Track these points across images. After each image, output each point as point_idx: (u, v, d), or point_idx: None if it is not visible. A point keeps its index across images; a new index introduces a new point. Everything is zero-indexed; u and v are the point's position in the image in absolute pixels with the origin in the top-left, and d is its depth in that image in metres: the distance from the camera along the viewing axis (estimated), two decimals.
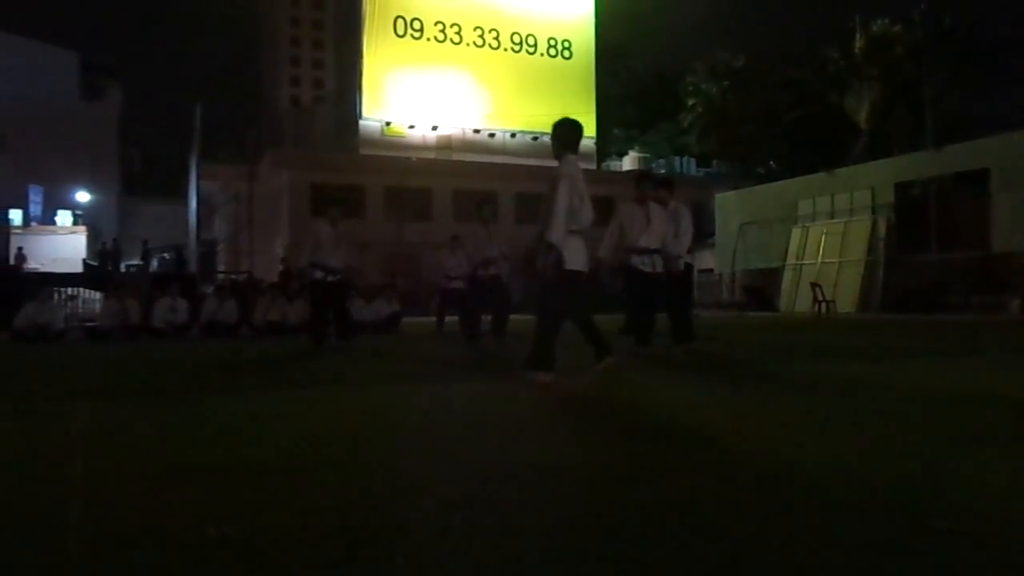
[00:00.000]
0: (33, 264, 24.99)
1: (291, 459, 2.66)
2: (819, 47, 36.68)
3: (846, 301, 22.76)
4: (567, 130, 5.05)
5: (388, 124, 33.26)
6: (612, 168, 40.39)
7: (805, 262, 25.41)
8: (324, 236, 8.73)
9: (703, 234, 34.11)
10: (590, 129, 36.63)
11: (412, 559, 1.63)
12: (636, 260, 6.89)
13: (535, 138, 34.10)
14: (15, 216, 30.53)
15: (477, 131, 32.02)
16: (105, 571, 1.59)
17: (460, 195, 29.46)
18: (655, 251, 6.90)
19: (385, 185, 30.10)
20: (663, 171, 40.30)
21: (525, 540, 1.74)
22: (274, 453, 2.77)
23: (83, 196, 35.18)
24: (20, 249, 25.58)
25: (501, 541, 1.73)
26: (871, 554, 1.61)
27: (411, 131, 33.37)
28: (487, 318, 9.69)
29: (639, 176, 7.60)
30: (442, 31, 34.12)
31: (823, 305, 20.48)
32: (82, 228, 32.14)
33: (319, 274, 8.65)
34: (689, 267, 7.56)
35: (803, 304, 23.33)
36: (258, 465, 2.56)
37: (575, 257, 4.79)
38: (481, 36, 34.73)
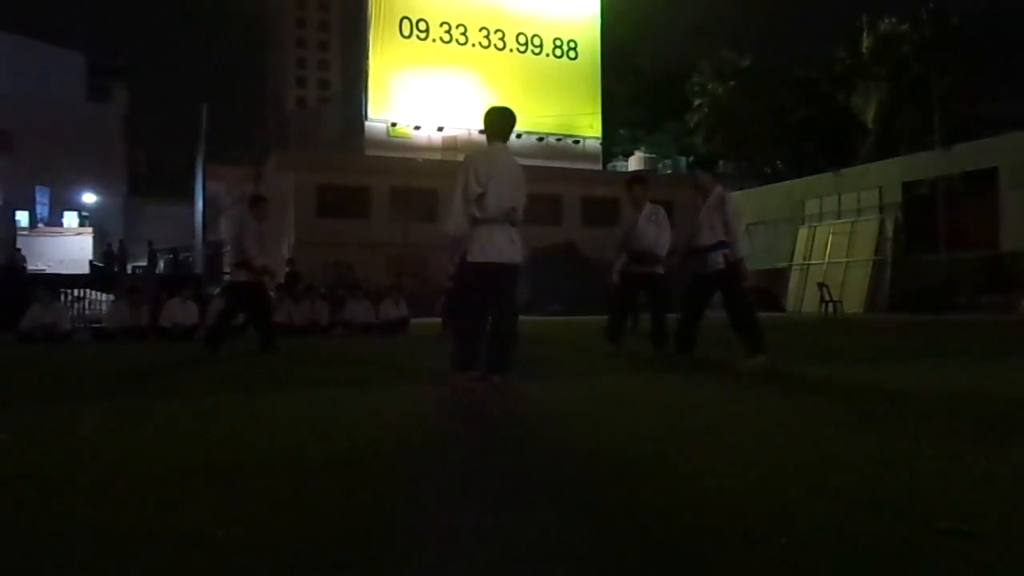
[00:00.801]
0: (40, 265, 25.06)
1: (296, 460, 2.65)
2: (826, 46, 36.64)
3: (853, 301, 22.68)
4: (491, 118, 4.92)
5: (394, 125, 33.28)
6: (618, 169, 40.36)
7: (812, 262, 25.34)
8: (251, 232, 7.94)
9: None
10: (596, 130, 36.63)
11: (419, 561, 1.62)
12: (626, 263, 7.09)
13: (540, 139, 34.08)
14: (22, 217, 30.66)
15: (483, 132, 31.92)
16: (111, 572, 1.58)
17: None
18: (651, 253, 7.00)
19: (391, 186, 30.10)
20: (669, 171, 40.34)
21: (527, 542, 1.72)
22: (279, 453, 2.76)
23: (89, 197, 35.31)
24: (19, 251, 24.86)
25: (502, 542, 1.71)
26: (878, 555, 1.59)
27: (417, 132, 33.38)
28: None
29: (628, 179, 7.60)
30: (448, 32, 34.12)
31: (830, 305, 20.40)
32: (88, 229, 32.26)
33: (243, 274, 7.88)
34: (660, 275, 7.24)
35: (810, 304, 23.26)
36: (264, 465, 2.55)
37: (486, 249, 4.56)
38: (487, 37, 34.73)
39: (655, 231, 7.01)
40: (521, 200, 4.74)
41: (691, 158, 40.87)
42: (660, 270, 7.10)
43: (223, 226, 34.71)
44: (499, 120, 4.90)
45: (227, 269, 30.19)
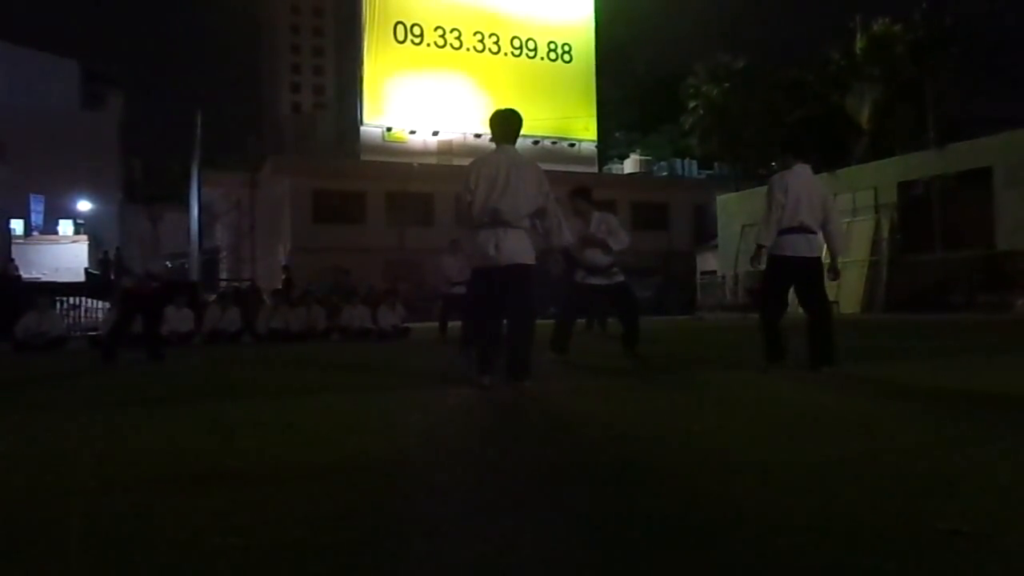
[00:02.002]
0: (35, 273, 24.96)
1: (293, 466, 2.64)
2: (820, 48, 36.69)
3: (850, 302, 22.72)
4: (492, 122, 4.95)
5: (389, 130, 33.29)
6: (614, 171, 40.39)
7: None
8: (146, 237, 7.75)
9: (706, 236, 34.15)
10: (591, 133, 36.68)
11: (416, 565, 1.62)
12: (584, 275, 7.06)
13: (536, 142, 34.10)
14: (17, 226, 30.57)
15: (478, 136, 31.98)
16: None
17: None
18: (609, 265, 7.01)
19: (386, 191, 30.11)
20: (664, 173, 40.39)
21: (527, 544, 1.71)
22: (276, 460, 2.75)
23: (84, 205, 35.22)
24: (12, 261, 24.19)
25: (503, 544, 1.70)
26: (876, 555, 1.59)
27: (412, 136, 33.41)
28: None
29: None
30: (442, 36, 34.16)
31: None
32: (83, 237, 32.16)
33: (129, 281, 7.72)
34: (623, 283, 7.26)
35: None
36: (261, 472, 2.54)
37: (476, 253, 4.67)
38: (481, 41, 34.78)
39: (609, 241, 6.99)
40: (519, 201, 4.65)
41: (687, 159, 41.01)
42: (621, 277, 7.11)
43: (219, 232, 34.65)
44: (499, 123, 4.94)
45: (224, 275, 30.20)
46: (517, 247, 4.61)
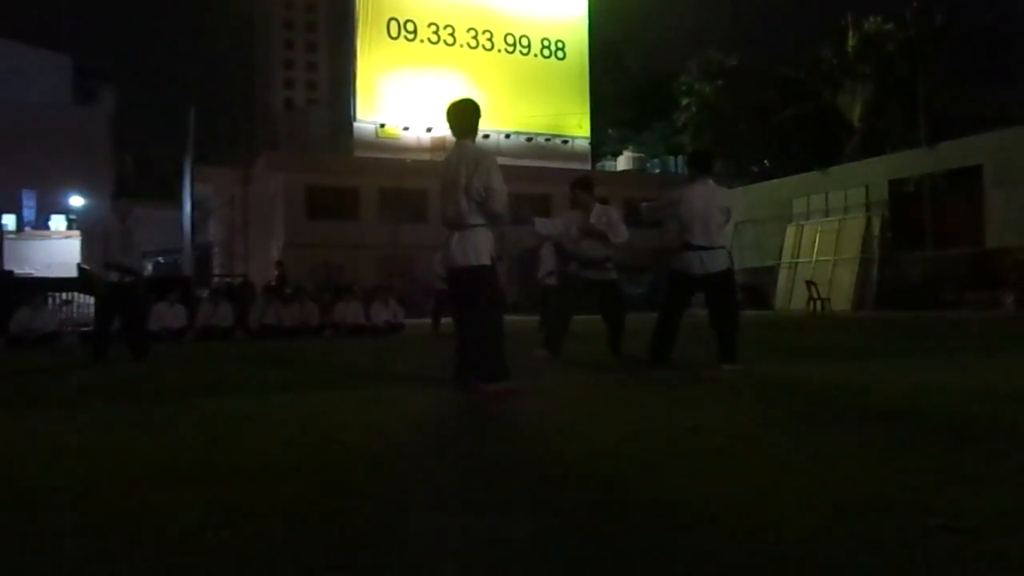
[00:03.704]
0: (27, 269, 24.83)
1: (287, 463, 2.66)
2: (812, 46, 36.79)
3: (841, 299, 22.83)
4: (450, 115, 4.70)
5: (382, 126, 33.19)
6: (607, 168, 40.39)
7: (800, 260, 25.47)
8: (114, 232, 7.81)
9: None
10: (584, 130, 36.66)
11: (410, 562, 1.64)
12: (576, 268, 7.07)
13: (529, 139, 34.10)
14: (8, 221, 30.39)
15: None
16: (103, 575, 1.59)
17: None
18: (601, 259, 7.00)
19: (380, 187, 30.04)
20: (657, 171, 40.42)
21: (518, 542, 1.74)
22: (270, 456, 2.77)
23: (77, 200, 35.03)
24: None
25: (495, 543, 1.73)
26: (868, 551, 1.61)
27: (406, 133, 33.32)
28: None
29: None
30: (435, 32, 34.06)
31: (818, 303, 20.52)
32: (76, 232, 31.98)
33: (113, 275, 7.72)
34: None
35: (798, 302, 23.39)
36: (254, 469, 2.55)
37: (447, 256, 4.62)
38: (475, 37, 34.70)
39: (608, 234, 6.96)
40: (458, 197, 4.46)
41: (680, 156, 41.03)
42: (613, 275, 7.13)
43: (211, 228, 34.53)
44: (454, 116, 4.70)
45: (217, 271, 30.09)
46: (461, 250, 4.47)
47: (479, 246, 4.45)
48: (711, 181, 5.90)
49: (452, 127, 4.70)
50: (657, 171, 40.70)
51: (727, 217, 5.89)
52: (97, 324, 8.07)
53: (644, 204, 6.98)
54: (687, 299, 6.13)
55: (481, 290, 4.47)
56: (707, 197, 5.76)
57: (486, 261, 4.47)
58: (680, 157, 41.28)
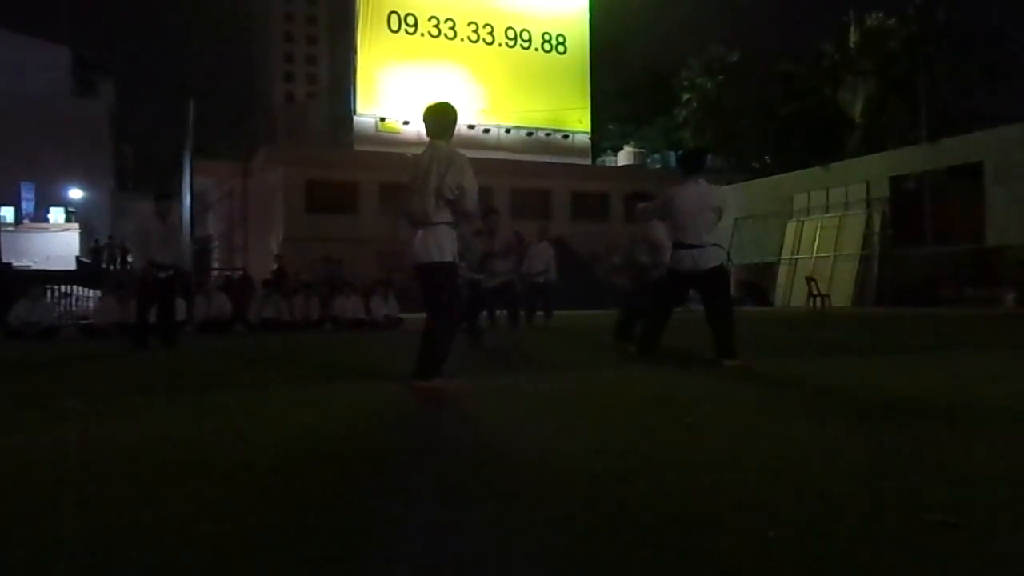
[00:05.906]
0: (26, 261, 24.85)
1: (285, 455, 2.65)
2: (813, 41, 36.71)
3: (841, 295, 22.82)
4: (426, 117, 4.72)
5: (383, 120, 33.13)
6: (608, 163, 40.34)
7: (800, 256, 25.47)
8: (152, 230, 8.52)
9: None
10: (585, 124, 36.61)
11: (407, 555, 1.63)
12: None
13: (530, 133, 34.03)
14: (7, 213, 30.40)
15: (472, 127, 31.88)
16: (100, 569, 1.58)
17: None
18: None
19: (380, 181, 29.98)
20: (658, 166, 40.36)
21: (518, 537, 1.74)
22: (268, 450, 2.76)
23: (76, 193, 35.04)
24: None
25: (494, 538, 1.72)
26: (868, 548, 1.61)
27: (406, 127, 33.23)
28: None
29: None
30: (436, 26, 33.98)
31: (818, 299, 20.51)
32: (75, 225, 32.01)
33: (161, 273, 8.48)
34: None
35: (798, 298, 23.39)
36: (253, 462, 2.55)
37: (411, 253, 4.61)
38: (475, 31, 34.61)
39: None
40: (426, 196, 4.49)
41: (680, 152, 40.96)
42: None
43: (211, 221, 34.52)
44: (429, 118, 4.74)
45: (215, 265, 30.07)
46: (421, 247, 4.52)
47: (442, 243, 4.53)
48: (703, 180, 5.99)
49: (428, 128, 4.75)
50: (658, 166, 40.65)
51: (719, 216, 5.97)
52: (137, 315, 8.72)
53: (640, 205, 7.10)
54: (679, 296, 6.33)
55: (444, 286, 4.58)
56: (699, 197, 5.83)
57: (449, 258, 4.56)
58: (681, 152, 41.21)
